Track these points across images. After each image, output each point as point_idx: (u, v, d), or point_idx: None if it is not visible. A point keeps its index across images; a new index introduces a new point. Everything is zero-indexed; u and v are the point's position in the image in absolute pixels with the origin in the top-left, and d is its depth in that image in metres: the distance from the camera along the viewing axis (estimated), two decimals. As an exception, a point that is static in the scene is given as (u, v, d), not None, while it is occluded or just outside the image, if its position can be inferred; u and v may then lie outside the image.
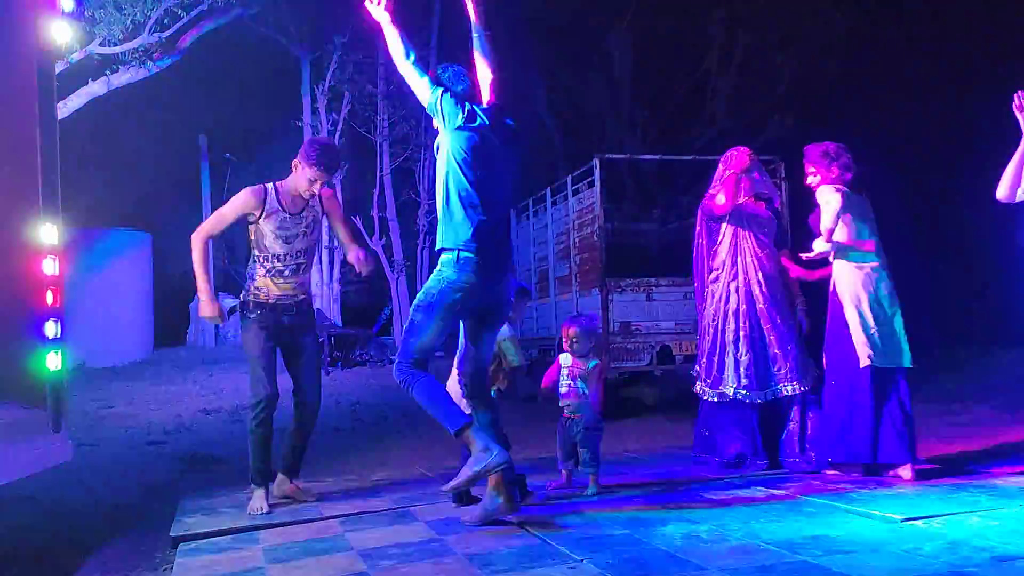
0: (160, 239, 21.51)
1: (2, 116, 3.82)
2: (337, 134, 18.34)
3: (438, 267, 3.86)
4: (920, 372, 4.80)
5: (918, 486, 4.35)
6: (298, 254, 4.56)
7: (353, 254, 4.56)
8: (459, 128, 3.88)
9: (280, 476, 4.71)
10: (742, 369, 5.10)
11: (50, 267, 3.90)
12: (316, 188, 4.53)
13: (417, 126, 17.31)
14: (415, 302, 3.91)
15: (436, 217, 3.98)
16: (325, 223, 4.97)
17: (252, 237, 4.54)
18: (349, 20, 17.32)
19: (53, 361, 3.89)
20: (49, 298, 3.88)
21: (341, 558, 3.49)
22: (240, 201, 4.50)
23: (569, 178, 9.67)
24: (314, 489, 4.93)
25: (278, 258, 4.51)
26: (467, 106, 3.92)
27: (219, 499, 4.90)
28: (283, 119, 18.76)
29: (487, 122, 3.92)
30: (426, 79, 3.97)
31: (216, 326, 21.34)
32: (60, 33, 4.19)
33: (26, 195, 3.86)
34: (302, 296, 4.65)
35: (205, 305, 4.53)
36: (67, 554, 4.22)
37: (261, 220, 4.48)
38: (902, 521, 3.58)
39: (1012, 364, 10.34)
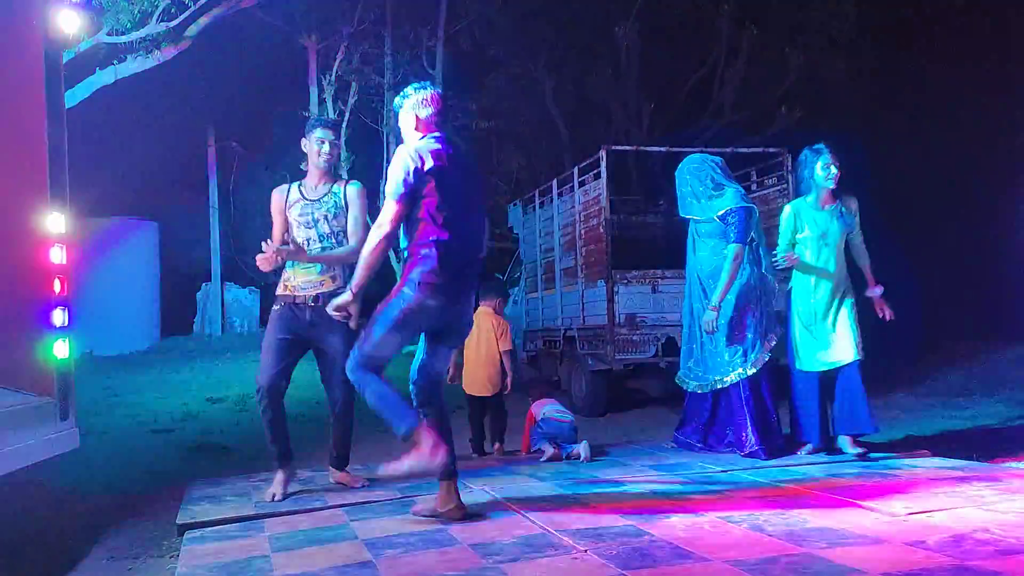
0: (167, 228, 21.55)
1: (10, 105, 3.83)
2: (344, 124, 18.33)
3: (404, 283, 3.78)
4: (926, 367, 4.81)
5: (922, 480, 4.35)
6: (321, 238, 4.58)
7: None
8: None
9: (330, 468, 4.88)
10: (685, 362, 5.69)
11: (58, 255, 3.92)
12: (326, 148, 4.63)
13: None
14: (377, 313, 3.85)
15: None
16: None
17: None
18: (356, 10, 17.32)
19: (61, 349, 3.91)
20: (57, 286, 3.90)
21: (346, 547, 3.50)
22: (274, 204, 4.69)
23: (575, 170, 9.65)
24: (317, 479, 4.97)
25: (303, 243, 4.54)
26: (418, 158, 3.74)
27: (225, 487, 4.93)
28: (290, 109, 18.76)
29: (444, 163, 3.78)
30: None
31: (222, 317, 21.45)
32: (67, 22, 4.20)
33: (34, 184, 3.88)
34: (330, 287, 4.52)
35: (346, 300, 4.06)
36: (74, 541, 4.26)
37: (287, 211, 4.64)
38: (906, 514, 3.58)
39: (1018, 359, 10.31)
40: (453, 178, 3.80)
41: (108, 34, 12.34)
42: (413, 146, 3.81)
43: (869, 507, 3.75)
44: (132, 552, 4.06)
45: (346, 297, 3.77)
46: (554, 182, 10.36)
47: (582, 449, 5.31)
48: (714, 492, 4.24)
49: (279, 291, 4.62)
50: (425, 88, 3.98)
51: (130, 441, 7.66)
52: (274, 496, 4.43)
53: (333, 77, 18.05)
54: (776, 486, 4.33)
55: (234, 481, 5.15)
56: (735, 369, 5.32)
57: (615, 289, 8.48)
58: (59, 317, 3.90)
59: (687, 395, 5.68)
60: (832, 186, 5.31)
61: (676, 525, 3.55)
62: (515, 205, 12.07)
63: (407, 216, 3.77)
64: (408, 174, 3.68)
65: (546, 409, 5.64)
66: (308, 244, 4.54)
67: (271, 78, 19.72)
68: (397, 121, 4.05)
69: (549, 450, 5.38)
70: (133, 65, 13.29)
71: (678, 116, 15.49)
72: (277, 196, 4.71)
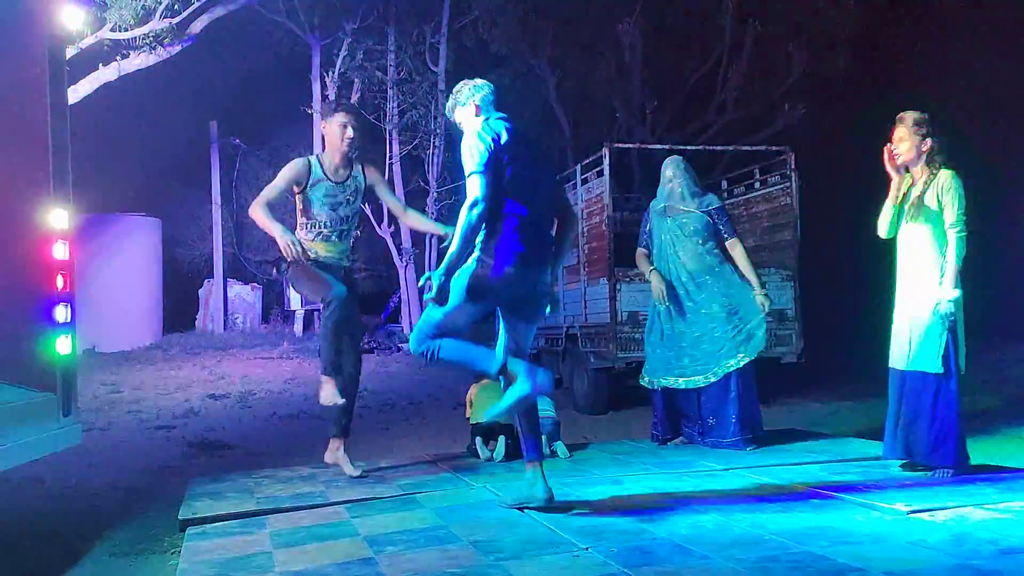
0: (170, 224, 21.57)
1: (13, 101, 3.83)
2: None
3: (482, 252, 3.74)
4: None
5: (923, 478, 4.35)
6: (343, 220, 4.85)
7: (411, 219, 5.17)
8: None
9: (331, 442, 4.99)
10: (672, 362, 5.67)
11: (60, 252, 3.92)
12: (350, 132, 4.78)
13: (427, 114, 17.29)
14: (453, 282, 3.77)
15: (445, 205, 3.94)
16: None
17: (300, 206, 4.80)
18: (360, 7, 17.31)
19: (63, 345, 3.91)
20: (59, 282, 3.91)
21: (347, 544, 3.51)
22: (290, 169, 4.76)
23: (578, 167, 9.65)
24: (319, 476, 4.99)
25: (324, 224, 4.78)
26: (492, 132, 3.77)
27: (227, 484, 4.93)
28: (293, 105, 18.76)
29: (514, 137, 3.82)
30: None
31: (224, 313, 21.48)
32: (71, 18, 4.20)
33: (37, 180, 3.88)
34: (346, 263, 4.94)
35: (280, 237, 4.53)
36: (76, 536, 4.26)
37: (308, 189, 4.75)
38: (908, 513, 3.58)
39: (1019, 357, 10.31)
40: (522, 152, 3.83)
41: (111, 30, 12.35)
42: (481, 125, 3.84)
43: (870, 505, 3.74)
44: (134, 548, 4.06)
45: (440, 270, 3.61)
46: (556, 179, 10.34)
47: (559, 449, 5.48)
48: (715, 490, 4.24)
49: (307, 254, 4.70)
50: (473, 79, 4.07)
51: (132, 437, 7.67)
52: (334, 400, 4.66)
53: (336, 73, 18.04)
54: (777, 484, 4.32)
55: (236, 478, 5.16)
56: (738, 355, 5.46)
57: (617, 287, 8.48)
58: (61, 313, 3.90)
59: (660, 393, 5.78)
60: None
61: (677, 523, 3.55)
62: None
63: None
64: (488, 145, 3.70)
65: None
66: (330, 226, 4.80)
67: (274, 75, 19.74)
68: (452, 118, 4.05)
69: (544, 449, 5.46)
70: (136, 61, 13.30)
71: (681, 113, 15.46)
72: (299, 167, 4.76)
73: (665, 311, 5.73)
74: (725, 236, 5.66)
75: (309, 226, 4.79)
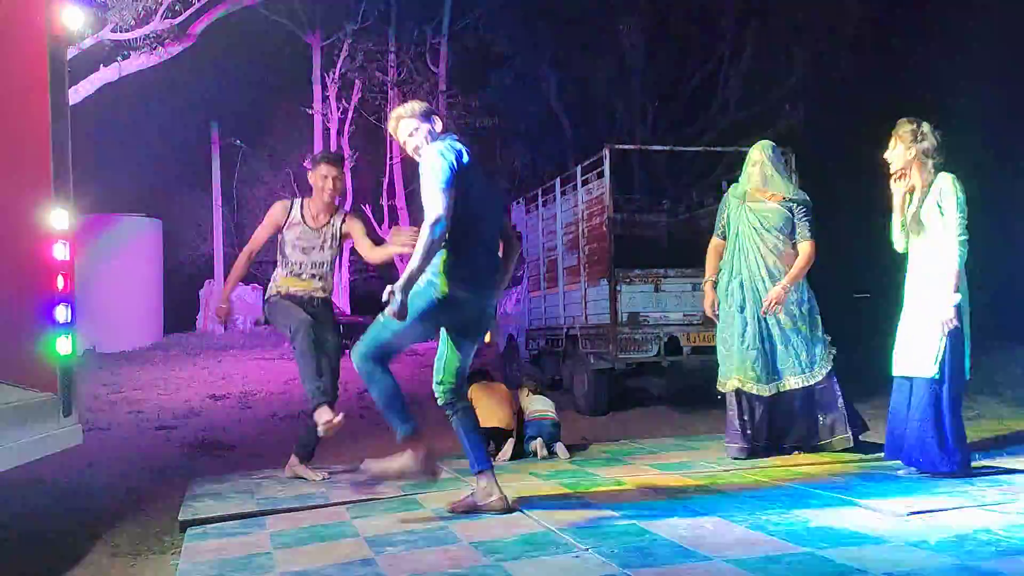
0: (170, 225, 21.58)
1: (14, 102, 3.83)
2: (347, 122, 18.39)
3: (430, 275, 3.72)
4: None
5: (924, 479, 4.34)
6: (315, 265, 4.98)
7: (393, 245, 4.69)
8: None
9: (292, 458, 5.09)
10: (748, 363, 5.23)
11: (61, 252, 3.92)
12: (330, 183, 4.96)
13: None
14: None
15: None
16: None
17: (278, 245, 5.01)
18: (360, 8, 17.33)
19: (63, 345, 3.91)
20: (60, 283, 3.91)
21: (347, 544, 3.51)
22: (271, 214, 5.02)
23: (579, 168, 9.64)
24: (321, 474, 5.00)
25: (296, 264, 4.94)
26: (454, 151, 3.77)
27: (227, 484, 4.94)
28: (294, 106, 18.78)
29: (470, 159, 3.83)
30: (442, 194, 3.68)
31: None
32: (72, 19, 4.20)
33: (37, 181, 3.88)
34: (322, 295, 5.03)
35: (217, 298, 4.85)
36: (76, 537, 4.26)
37: (284, 230, 4.96)
38: (908, 514, 3.57)
39: (1021, 358, 10.29)
40: (477, 175, 3.85)
41: (112, 31, 12.35)
42: (443, 144, 3.80)
43: (871, 506, 3.74)
44: (134, 548, 4.06)
45: (400, 284, 3.53)
46: (557, 180, 10.34)
47: (559, 450, 5.52)
48: (716, 491, 4.24)
49: (278, 292, 4.96)
50: (416, 102, 4.07)
51: (132, 437, 7.67)
52: (331, 421, 4.56)
53: (337, 75, 18.06)
54: (778, 485, 4.32)
55: (236, 478, 5.16)
56: (829, 357, 5.31)
57: (618, 288, 8.47)
58: (62, 313, 3.90)
59: (746, 399, 5.24)
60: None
61: (678, 524, 3.54)
62: (518, 203, 12.07)
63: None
64: (451, 163, 3.68)
65: (528, 411, 5.70)
66: (300, 268, 4.95)
67: (275, 76, 19.76)
68: (400, 139, 3.99)
69: (540, 450, 5.50)
70: (137, 62, 13.30)
71: (682, 114, 15.47)
72: (279, 210, 5.00)
73: (752, 311, 5.28)
74: (798, 235, 5.25)
75: (283, 263, 4.98)
